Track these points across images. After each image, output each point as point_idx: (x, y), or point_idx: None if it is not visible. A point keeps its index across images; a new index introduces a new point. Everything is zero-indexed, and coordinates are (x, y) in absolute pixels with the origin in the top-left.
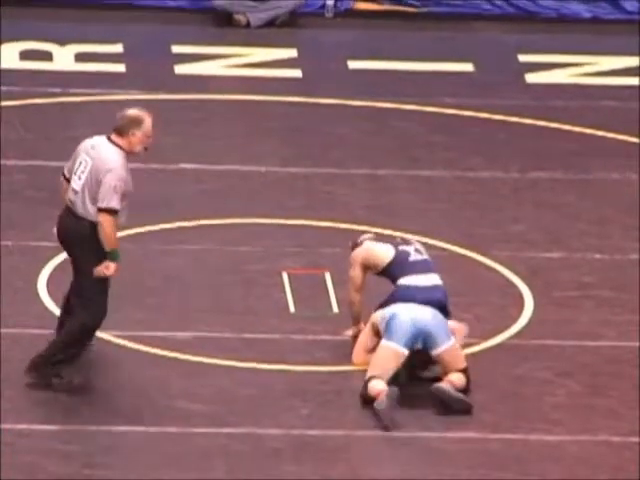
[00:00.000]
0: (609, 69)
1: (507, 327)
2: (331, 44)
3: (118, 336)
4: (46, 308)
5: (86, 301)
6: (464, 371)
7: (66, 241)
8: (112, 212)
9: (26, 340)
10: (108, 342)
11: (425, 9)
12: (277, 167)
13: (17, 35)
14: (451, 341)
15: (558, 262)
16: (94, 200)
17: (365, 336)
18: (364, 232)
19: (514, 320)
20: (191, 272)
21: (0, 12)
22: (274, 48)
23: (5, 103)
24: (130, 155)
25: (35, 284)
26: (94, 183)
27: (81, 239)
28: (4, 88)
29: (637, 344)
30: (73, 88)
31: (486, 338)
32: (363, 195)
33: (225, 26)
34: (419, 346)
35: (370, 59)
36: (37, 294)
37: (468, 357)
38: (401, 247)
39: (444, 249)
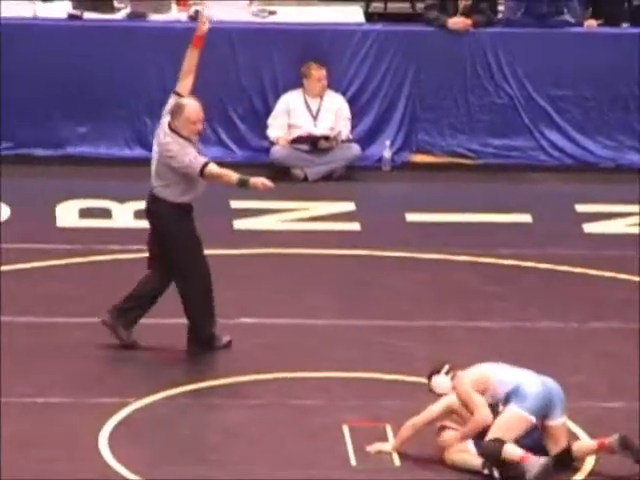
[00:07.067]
0: None
1: (568, 477)
2: (389, 197)
3: None
4: (108, 465)
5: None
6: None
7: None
8: (205, 167)
9: None
10: None
11: (481, 161)
12: (335, 320)
13: (75, 194)
14: (565, 417)
15: (618, 412)
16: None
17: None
18: (422, 384)
19: (577, 469)
20: (252, 427)
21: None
22: (332, 202)
23: (64, 261)
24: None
25: (97, 441)
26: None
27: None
28: (64, 246)
29: None
30: (131, 245)
31: None
32: (422, 347)
33: (283, 180)
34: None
35: (428, 211)
36: (99, 452)
37: None
38: None
39: None
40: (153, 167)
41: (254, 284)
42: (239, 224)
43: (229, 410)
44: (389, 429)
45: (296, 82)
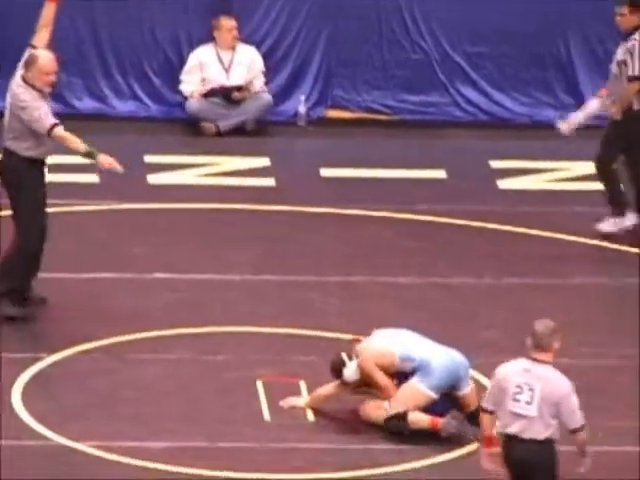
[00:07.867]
0: (580, 174)
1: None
2: (304, 152)
3: (91, 446)
4: (21, 420)
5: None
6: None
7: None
8: (53, 128)
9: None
10: (81, 452)
11: (397, 117)
12: (250, 275)
13: None
14: (471, 384)
15: None
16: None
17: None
18: (337, 339)
19: None
20: (166, 381)
21: None
22: (247, 157)
23: None
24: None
25: (9, 396)
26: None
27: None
28: None
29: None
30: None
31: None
32: (337, 303)
33: (197, 135)
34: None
35: (343, 166)
36: (11, 407)
37: None
38: None
39: None
40: (6, 119)
41: (169, 239)
42: (153, 178)
43: (143, 365)
44: (303, 385)
45: (210, 37)
